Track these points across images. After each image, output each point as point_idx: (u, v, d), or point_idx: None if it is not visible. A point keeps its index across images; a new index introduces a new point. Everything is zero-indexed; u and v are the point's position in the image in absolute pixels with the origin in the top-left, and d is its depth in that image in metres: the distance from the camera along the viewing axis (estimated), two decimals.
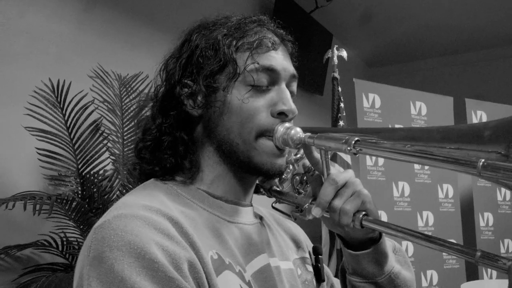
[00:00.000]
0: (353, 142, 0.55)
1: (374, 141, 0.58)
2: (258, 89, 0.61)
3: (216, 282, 0.52)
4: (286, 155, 0.64)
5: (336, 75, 2.28)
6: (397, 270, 0.66)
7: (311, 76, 3.35)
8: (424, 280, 2.38)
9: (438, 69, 4.19)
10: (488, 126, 0.51)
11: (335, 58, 2.27)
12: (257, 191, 0.71)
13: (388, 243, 0.67)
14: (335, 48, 2.29)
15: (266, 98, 0.61)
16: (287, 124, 0.61)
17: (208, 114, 0.61)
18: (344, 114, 2.29)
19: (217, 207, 0.61)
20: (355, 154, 0.56)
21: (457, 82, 3.91)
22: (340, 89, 2.29)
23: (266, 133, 0.60)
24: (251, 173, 0.63)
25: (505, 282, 0.43)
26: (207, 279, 0.51)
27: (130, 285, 0.45)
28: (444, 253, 2.49)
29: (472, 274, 2.61)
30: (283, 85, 0.63)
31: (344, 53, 2.26)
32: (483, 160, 0.43)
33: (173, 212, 0.54)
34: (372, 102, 2.40)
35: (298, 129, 0.61)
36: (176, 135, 0.61)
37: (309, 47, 3.19)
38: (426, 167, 2.50)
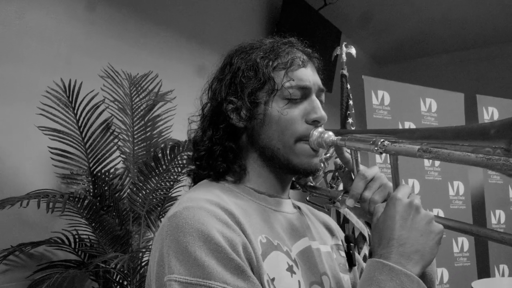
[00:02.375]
0: (379, 143, 0.65)
1: (396, 141, 0.66)
2: (293, 102, 0.72)
3: (262, 263, 0.62)
4: (320, 156, 0.75)
5: (345, 72, 2.27)
6: None
7: (320, 73, 3.34)
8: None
9: (448, 65, 4.14)
10: (494, 125, 0.57)
11: (344, 55, 2.25)
12: (293, 187, 0.81)
13: None
14: (343, 45, 2.28)
15: (300, 108, 0.72)
16: (320, 129, 0.72)
17: (251, 125, 0.72)
18: (353, 111, 2.28)
19: (263, 199, 0.73)
20: (381, 153, 0.66)
21: (467, 78, 3.86)
22: (349, 86, 2.27)
23: (303, 138, 0.71)
24: (290, 173, 0.74)
25: None
26: (256, 260, 0.62)
27: (201, 263, 0.56)
28: (455, 251, 2.47)
29: (484, 272, 2.59)
30: (314, 96, 0.74)
31: (352, 50, 2.25)
32: None
33: (228, 205, 0.64)
34: (381, 99, 2.39)
35: (331, 133, 0.71)
36: (225, 145, 0.72)
37: (318, 44, 3.17)
38: (437, 164, 2.48)
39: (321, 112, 0.72)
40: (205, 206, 0.61)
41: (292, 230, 0.72)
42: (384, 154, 0.66)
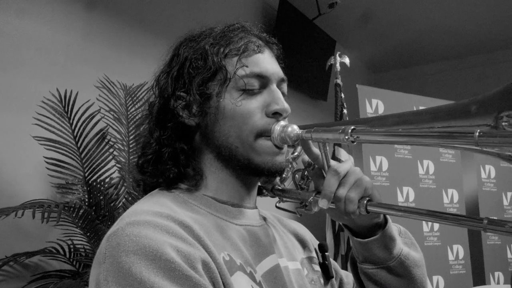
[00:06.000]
0: (350, 130, 0.56)
1: (369, 128, 0.59)
2: (250, 92, 0.62)
3: (231, 281, 0.53)
4: (285, 153, 0.65)
5: (339, 81, 2.30)
6: (406, 252, 0.67)
7: (315, 82, 3.37)
8: (430, 286, 2.36)
9: (441, 73, 4.19)
10: (475, 100, 0.51)
11: (338, 65, 2.28)
12: (260, 193, 0.72)
13: (394, 227, 0.68)
14: (337, 55, 2.31)
15: (259, 100, 0.62)
16: (282, 123, 0.62)
17: (204, 122, 0.63)
18: (347, 120, 2.30)
19: (224, 211, 0.62)
20: (352, 142, 0.57)
21: (460, 86, 3.90)
22: (343, 95, 2.30)
23: (263, 133, 0.62)
24: (253, 174, 0.64)
25: None
26: (222, 279, 0.52)
27: (149, 286, 0.46)
28: (450, 259, 2.48)
29: (479, 279, 2.59)
30: (274, 86, 0.64)
31: (346, 60, 2.28)
32: (478, 130, 0.43)
33: (183, 217, 0.55)
34: (376, 108, 2.42)
35: (295, 126, 0.62)
36: (176, 146, 0.62)
37: (313, 54, 3.22)
38: (431, 172, 2.50)
39: (283, 103, 0.63)
40: (153, 220, 0.52)
41: (257, 247, 0.62)
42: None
